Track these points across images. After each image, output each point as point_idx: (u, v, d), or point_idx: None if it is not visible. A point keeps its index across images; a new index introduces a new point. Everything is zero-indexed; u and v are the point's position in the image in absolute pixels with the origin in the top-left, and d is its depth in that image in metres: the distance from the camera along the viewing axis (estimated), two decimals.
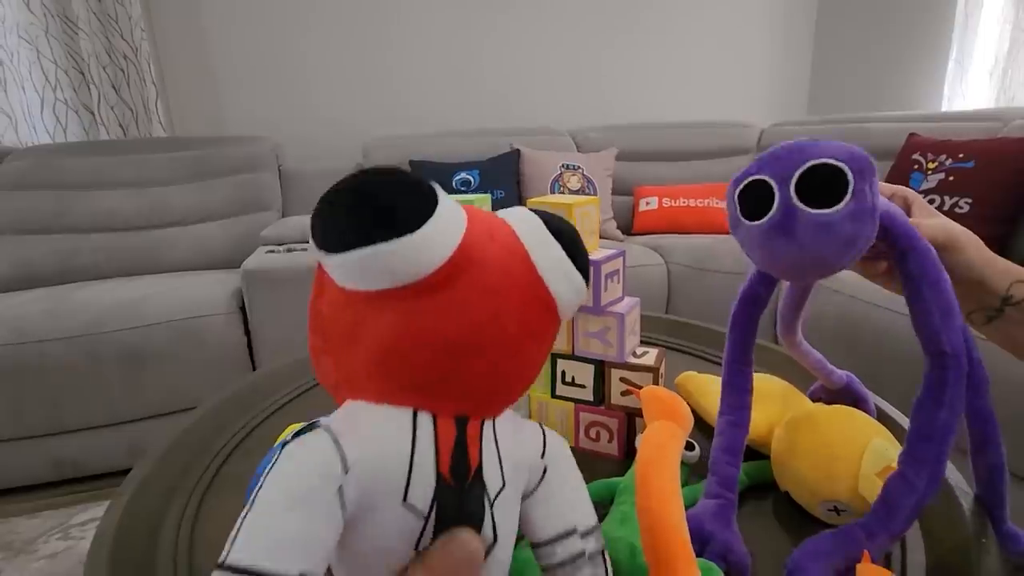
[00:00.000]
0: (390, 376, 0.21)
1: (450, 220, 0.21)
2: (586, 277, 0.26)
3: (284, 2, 2.14)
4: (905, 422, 0.53)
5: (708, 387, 0.57)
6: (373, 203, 0.19)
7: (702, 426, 0.56)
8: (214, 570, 0.17)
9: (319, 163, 2.12)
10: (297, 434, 0.20)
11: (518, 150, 2.04)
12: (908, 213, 0.40)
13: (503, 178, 1.96)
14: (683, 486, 0.46)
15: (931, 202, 1.44)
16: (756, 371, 0.60)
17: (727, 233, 1.84)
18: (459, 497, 0.21)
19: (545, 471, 0.25)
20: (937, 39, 2.17)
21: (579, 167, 2.03)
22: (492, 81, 2.43)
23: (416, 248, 0.20)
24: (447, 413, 0.22)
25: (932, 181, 1.46)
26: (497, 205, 1.84)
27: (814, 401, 0.54)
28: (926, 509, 0.41)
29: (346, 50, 2.24)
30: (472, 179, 1.91)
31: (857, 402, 0.52)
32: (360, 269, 0.20)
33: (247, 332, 1.44)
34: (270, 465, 0.19)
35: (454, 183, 1.90)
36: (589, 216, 0.51)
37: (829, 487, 0.41)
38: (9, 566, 1.12)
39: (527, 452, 0.25)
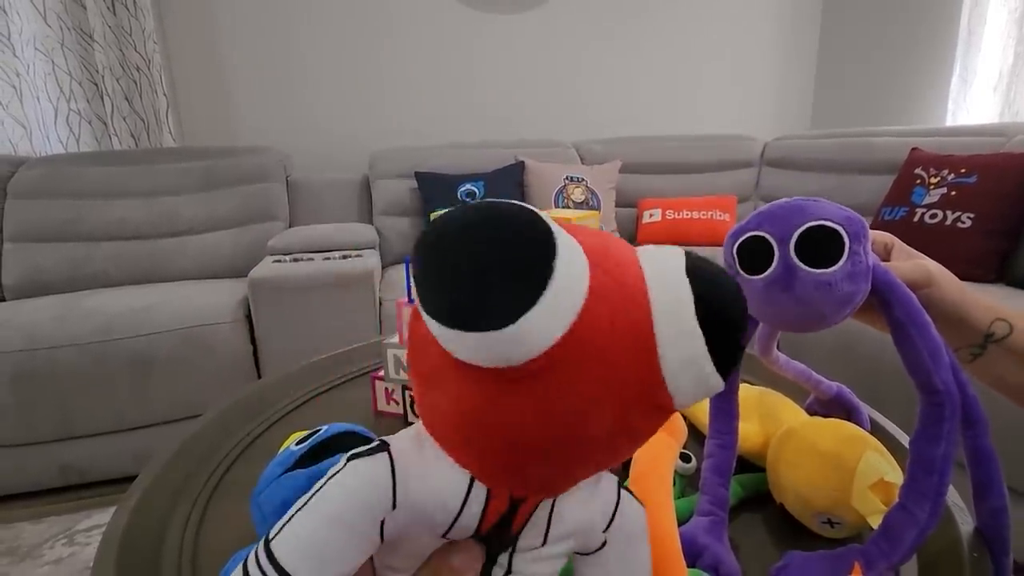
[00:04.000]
0: (456, 441, 0.20)
1: (557, 308, 0.17)
2: (732, 366, 0.19)
3: (294, 16, 2.18)
4: (900, 434, 0.53)
5: (705, 400, 0.58)
6: (468, 283, 0.16)
7: (699, 437, 0.57)
8: (262, 542, 0.20)
9: (326, 174, 2.14)
10: (366, 452, 0.21)
11: (522, 162, 2.06)
12: (888, 257, 0.41)
13: (507, 189, 1.97)
14: (679, 497, 0.47)
15: (933, 217, 1.45)
16: (754, 385, 0.60)
17: None
18: (487, 542, 0.23)
19: (604, 544, 0.25)
20: (941, 54, 2.19)
21: (583, 179, 2.04)
22: (497, 94, 2.46)
23: (502, 344, 0.16)
24: (502, 494, 0.21)
25: (934, 196, 1.47)
26: None
27: (810, 415, 0.54)
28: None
29: (353, 63, 2.27)
30: (477, 190, 1.93)
31: (850, 413, 0.52)
32: (444, 343, 0.18)
33: (253, 341, 1.46)
34: (334, 469, 0.21)
35: (459, 194, 1.92)
36: None
37: (823, 499, 0.41)
38: (14, 571, 1.13)
39: (585, 523, 0.24)
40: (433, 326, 0.17)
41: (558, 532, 0.23)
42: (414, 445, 0.21)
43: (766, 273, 0.34)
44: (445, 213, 0.18)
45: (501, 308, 0.16)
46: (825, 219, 0.33)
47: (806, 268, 0.33)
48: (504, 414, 0.18)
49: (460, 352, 0.17)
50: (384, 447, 0.21)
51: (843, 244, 0.32)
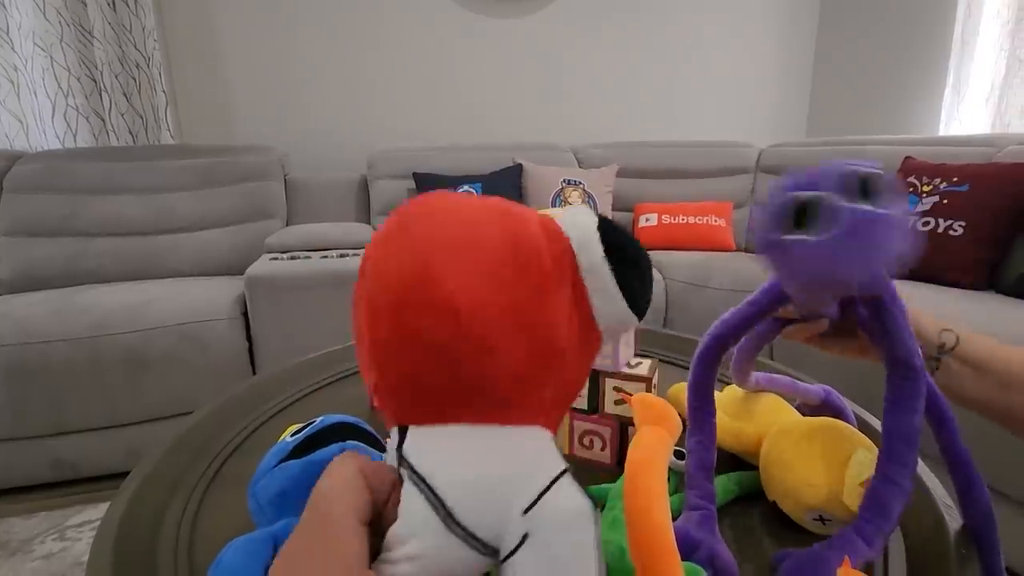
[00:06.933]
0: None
1: None
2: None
3: (294, 16, 2.19)
4: None
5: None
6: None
7: None
8: None
9: (324, 174, 2.15)
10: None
11: (520, 164, 2.07)
12: None
13: (505, 192, 1.98)
14: (673, 494, 0.47)
15: (925, 224, 1.46)
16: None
17: (724, 250, 1.84)
18: None
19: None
20: (934, 65, 2.21)
21: (580, 183, 2.05)
22: (496, 97, 2.47)
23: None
24: None
25: (927, 204, 1.48)
26: None
27: (802, 414, 0.55)
28: (912, 525, 0.43)
29: (353, 64, 2.28)
30: (475, 192, 1.94)
31: (837, 414, 0.53)
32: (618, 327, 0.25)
33: (249, 338, 1.46)
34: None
35: None
36: None
37: (814, 497, 0.42)
38: (5, 565, 1.12)
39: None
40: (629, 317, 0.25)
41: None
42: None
43: (832, 231, 0.30)
44: (609, 224, 0.24)
45: None
46: (871, 167, 0.30)
47: (880, 211, 0.29)
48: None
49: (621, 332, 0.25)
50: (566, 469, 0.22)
51: (888, 188, 0.30)
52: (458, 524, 0.20)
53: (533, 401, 0.22)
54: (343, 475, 0.21)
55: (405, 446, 0.22)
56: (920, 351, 0.37)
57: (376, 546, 0.20)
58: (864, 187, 0.30)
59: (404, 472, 0.21)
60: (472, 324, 0.20)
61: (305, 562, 0.18)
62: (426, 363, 0.21)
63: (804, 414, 0.56)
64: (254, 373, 1.47)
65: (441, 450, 0.21)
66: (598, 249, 0.23)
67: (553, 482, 0.20)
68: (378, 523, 0.21)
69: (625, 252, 0.24)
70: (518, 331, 0.21)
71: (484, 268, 0.21)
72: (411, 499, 0.21)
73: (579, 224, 0.24)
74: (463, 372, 0.21)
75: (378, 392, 0.23)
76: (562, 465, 0.21)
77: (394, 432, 0.23)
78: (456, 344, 0.21)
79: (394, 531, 0.20)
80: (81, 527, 1.24)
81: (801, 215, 0.32)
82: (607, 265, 0.23)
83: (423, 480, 0.20)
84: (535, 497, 0.20)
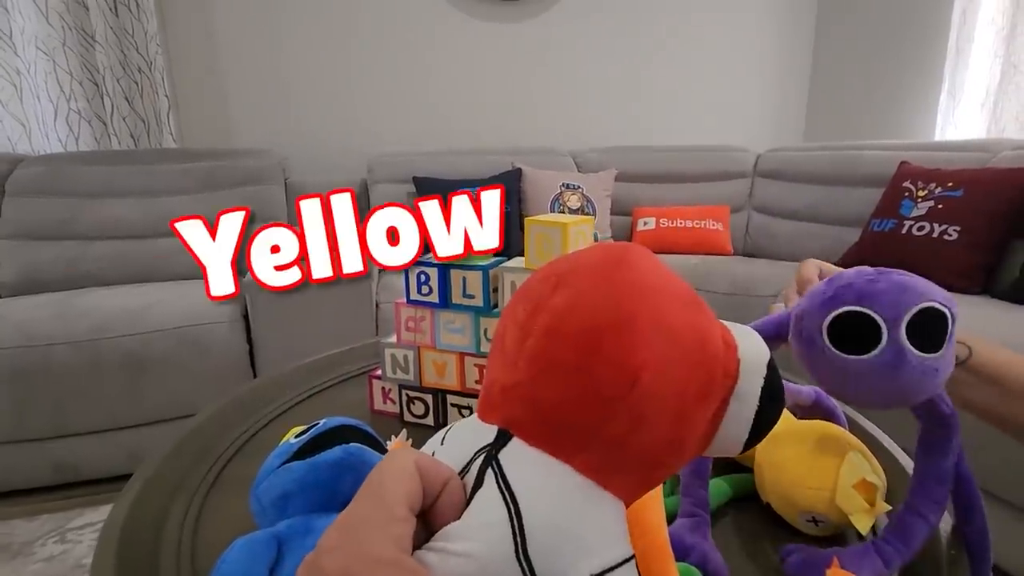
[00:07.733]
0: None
1: None
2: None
3: (295, 21, 2.20)
4: (877, 432, 0.56)
5: None
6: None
7: None
8: None
9: (324, 177, 2.15)
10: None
11: (519, 169, 2.08)
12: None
13: (504, 196, 1.99)
14: (669, 495, 0.48)
15: (920, 229, 1.47)
16: None
17: (722, 254, 1.85)
18: None
19: None
20: (930, 71, 2.23)
21: (579, 187, 2.07)
22: (495, 102, 2.48)
23: None
24: None
25: (922, 208, 1.49)
26: None
27: (796, 417, 0.56)
28: None
29: (353, 68, 2.29)
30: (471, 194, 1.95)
31: (828, 415, 0.54)
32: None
33: (249, 341, 1.46)
34: None
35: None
36: (583, 236, 0.54)
37: (807, 498, 0.43)
38: (6, 568, 1.12)
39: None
40: (737, 448, 0.25)
41: None
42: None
43: (873, 354, 0.31)
44: (774, 361, 0.25)
45: None
46: (934, 300, 0.31)
47: (918, 353, 0.31)
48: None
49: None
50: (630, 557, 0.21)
51: (947, 326, 0.31)
52: (526, 556, 0.19)
53: (639, 478, 0.23)
54: (400, 463, 0.21)
55: (503, 453, 0.22)
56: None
57: (417, 538, 0.20)
58: (923, 323, 0.31)
59: (491, 476, 0.21)
60: (644, 395, 0.21)
61: (359, 530, 0.19)
62: (579, 403, 0.21)
63: (796, 416, 0.57)
64: (255, 376, 1.47)
65: (538, 477, 0.21)
66: (760, 381, 0.24)
67: (624, 562, 0.21)
68: (422, 517, 0.21)
69: (774, 391, 0.24)
70: (674, 418, 0.22)
71: (677, 349, 0.22)
72: (490, 507, 0.20)
73: (754, 350, 0.24)
74: (607, 428, 0.21)
75: (510, 388, 0.22)
76: (631, 550, 0.21)
77: (490, 429, 0.23)
78: (619, 404, 0.21)
79: (457, 528, 0.20)
80: (82, 529, 1.24)
81: (848, 324, 0.32)
82: (757, 399, 0.24)
83: (513, 496, 0.21)
84: (607, 567, 0.20)
